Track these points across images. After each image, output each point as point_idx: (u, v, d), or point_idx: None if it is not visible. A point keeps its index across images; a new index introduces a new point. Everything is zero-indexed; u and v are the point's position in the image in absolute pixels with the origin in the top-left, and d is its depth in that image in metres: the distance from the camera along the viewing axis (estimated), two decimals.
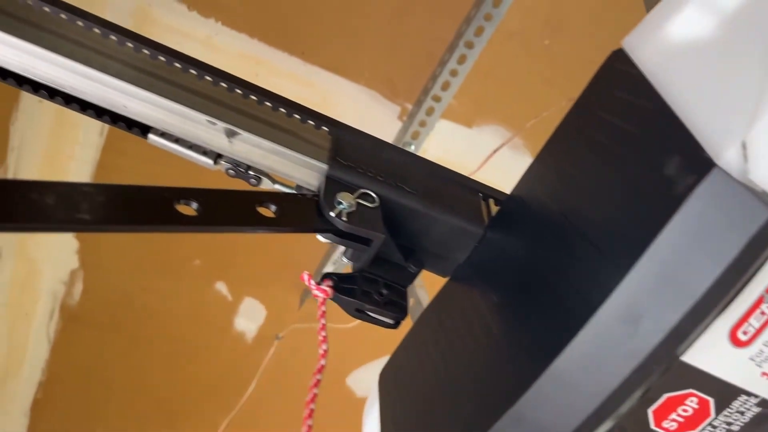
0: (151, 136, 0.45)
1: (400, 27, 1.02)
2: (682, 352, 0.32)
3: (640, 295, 0.31)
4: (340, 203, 0.42)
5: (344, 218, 0.42)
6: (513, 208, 0.46)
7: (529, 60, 1.05)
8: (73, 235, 1.30)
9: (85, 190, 0.34)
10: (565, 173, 0.41)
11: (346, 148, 0.47)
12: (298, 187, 0.48)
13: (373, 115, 1.11)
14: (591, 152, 0.38)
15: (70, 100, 0.46)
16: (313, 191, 0.46)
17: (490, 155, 1.08)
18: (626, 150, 0.35)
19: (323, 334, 0.39)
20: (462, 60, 1.04)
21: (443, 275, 0.50)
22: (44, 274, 1.36)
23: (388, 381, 0.55)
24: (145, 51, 0.43)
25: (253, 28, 1.03)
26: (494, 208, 0.50)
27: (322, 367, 0.37)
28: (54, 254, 1.33)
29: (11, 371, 1.52)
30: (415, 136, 1.11)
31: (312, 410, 0.36)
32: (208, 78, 0.44)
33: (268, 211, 0.40)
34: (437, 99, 1.08)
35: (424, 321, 0.53)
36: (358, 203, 0.43)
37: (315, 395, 0.36)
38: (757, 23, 0.31)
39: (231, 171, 0.47)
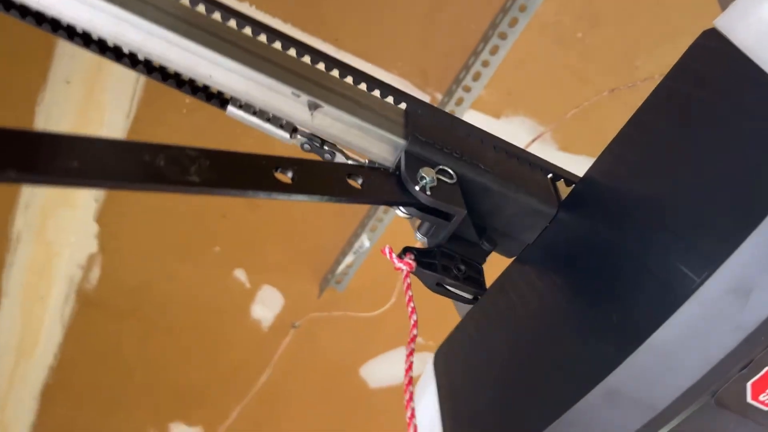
0: (231, 108, 0.45)
1: (436, 17, 1.02)
2: None
3: (752, 268, 0.31)
4: (423, 178, 0.42)
5: (428, 192, 0.42)
6: (589, 189, 0.46)
7: (561, 53, 1.05)
8: (93, 219, 1.29)
9: (191, 154, 0.34)
10: (652, 153, 0.41)
11: (423, 125, 0.47)
12: (372, 163, 0.48)
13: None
14: (685, 131, 0.39)
15: (135, 63, 0.45)
16: (389, 167, 0.46)
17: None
18: (731, 125, 0.35)
19: (412, 305, 0.39)
20: (494, 51, 1.04)
21: (509, 256, 0.50)
22: (62, 258, 1.35)
23: (446, 361, 0.55)
24: (232, 21, 0.43)
25: (286, 13, 1.03)
26: (563, 189, 0.50)
27: (415, 336, 0.38)
28: (73, 238, 1.32)
29: (24, 355, 1.52)
30: None
31: (411, 378, 0.36)
32: (292, 50, 0.44)
33: (355, 183, 0.41)
34: (467, 89, 1.08)
35: (488, 302, 0.53)
36: (439, 179, 0.43)
37: (411, 364, 0.36)
38: None
39: (306, 145, 0.47)
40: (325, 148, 0.47)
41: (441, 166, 0.44)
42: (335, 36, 1.04)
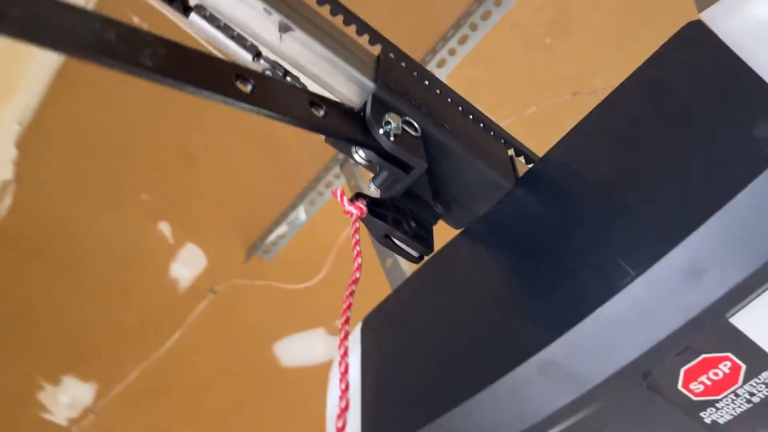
0: (194, 17, 0.42)
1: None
2: (732, 314, 0.32)
3: (707, 250, 0.31)
4: (389, 123, 0.40)
5: (391, 138, 0.40)
6: (549, 169, 0.45)
7: (526, 54, 1.06)
8: (12, 143, 1.20)
9: (147, 38, 0.30)
10: (624, 136, 0.41)
11: (395, 73, 0.45)
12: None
13: None
14: (659, 115, 0.38)
15: None
16: (353, 107, 0.44)
17: None
18: (706, 112, 0.35)
19: (358, 249, 0.37)
20: (463, 40, 1.04)
21: (457, 226, 0.49)
22: None
23: (375, 328, 0.53)
24: None
25: None
26: (522, 167, 0.49)
27: (357, 279, 0.35)
28: None
29: None
30: None
31: (348, 318, 0.34)
32: None
33: (318, 112, 0.38)
34: None
35: (429, 271, 0.51)
36: (403, 129, 0.41)
37: (350, 305, 0.34)
38: None
39: (268, 72, 0.44)
40: (288, 79, 0.44)
41: (407, 117, 0.43)
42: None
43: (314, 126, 0.36)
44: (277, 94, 0.35)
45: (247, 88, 0.34)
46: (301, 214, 1.25)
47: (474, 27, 1.02)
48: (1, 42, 1.08)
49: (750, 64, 0.34)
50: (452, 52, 1.05)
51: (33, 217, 1.29)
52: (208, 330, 1.46)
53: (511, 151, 0.50)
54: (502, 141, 0.49)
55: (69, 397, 1.60)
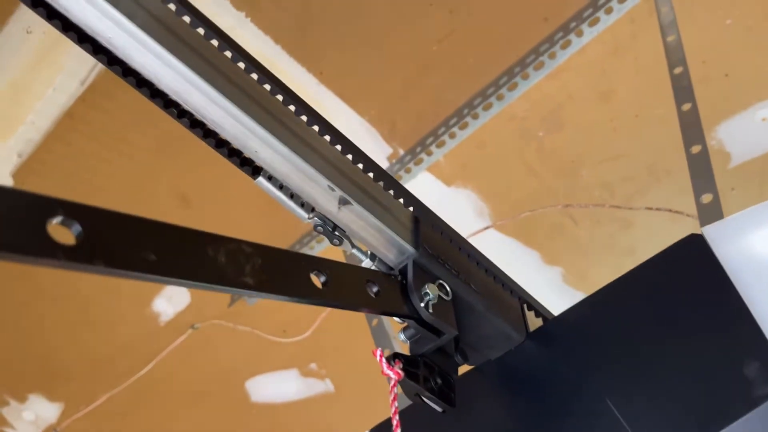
0: (261, 179, 0.46)
1: (421, 80, 1.06)
2: None
3: None
4: (428, 294, 0.46)
5: (430, 310, 0.45)
6: (558, 332, 0.51)
7: (520, 145, 1.12)
8: (10, 173, 1.20)
9: (247, 251, 0.35)
10: (619, 323, 0.47)
11: (430, 236, 0.50)
12: (372, 255, 0.50)
13: (364, 149, 1.13)
14: (655, 319, 0.45)
15: (182, 115, 0.45)
16: (390, 267, 0.49)
17: (474, 233, 1.13)
18: (696, 333, 0.42)
19: (397, 418, 0.42)
20: (464, 126, 1.10)
21: (470, 364, 0.55)
22: None
23: None
24: (291, 107, 0.44)
25: (279, 33, 1.03)
26: (530, 317, 0.55)
27: None
28: None
29: None
30: (398, 179, 1.16)
31: None
32: (338, 147, 0.46)
33: (372, 290, 0.43)
34: (429, 153, 1.13)
35: None
36: (439, 296, 0.47)
37: None
38: None
39: (320, 227, 0.49)
40: (336, 233, 0.49)
41: (441, 281, 0.48)
42: (321, 69, 1.06)
43: (370, 308, 0.41)
44: (343, 282, 0.40)
45: (321, 279, 0.39)
46: None
47: (476, 116, 1.08)
48: (11, 76, 1.09)
49: (742, 295, 0.41)
50: (452, 135, 1.11)
51: None
52: (184, 364, 1.48)
53: (519, 301, 0.56)
54: (513, 293, 0.55)
55: (33, 414, 1.60)
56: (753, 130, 1.00)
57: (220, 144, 0.46)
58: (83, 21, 0.38)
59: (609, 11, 0.96)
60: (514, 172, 1.15)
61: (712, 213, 0.57)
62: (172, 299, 1.39)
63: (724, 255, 0.44)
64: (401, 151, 1.15)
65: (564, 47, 1.00)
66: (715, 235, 0.45)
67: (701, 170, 0.59)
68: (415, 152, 1.13)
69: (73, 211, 0.27)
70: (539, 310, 0.55)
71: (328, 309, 1.25)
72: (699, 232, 0.46)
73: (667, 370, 0.42)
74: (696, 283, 0.44)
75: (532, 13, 0.99)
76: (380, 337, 1.08)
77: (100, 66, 1.06)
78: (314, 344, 1.39)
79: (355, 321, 1.23)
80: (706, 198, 0.56)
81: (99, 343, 1.47)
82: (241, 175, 1.17)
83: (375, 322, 1.10)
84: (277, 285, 0.35)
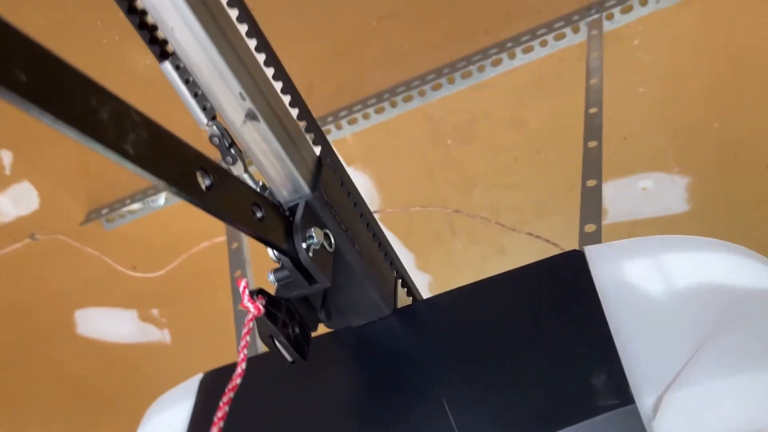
0: (167, 65, 0.42)
1: (352, 51, 1.04)
2: None
3: None
4: (312, 237, 0.43)
5: (310, 254, 0.43)
6: (423, 315, 0.51)
7: (428, 147, 1.13)
8: None
9: (135, 119, 0.31)
10: (483, 323, 0.47)
11: (329, 183, 0.48)
12: (264, 188, 0.47)
13: None
14: (519, 320, 0.45)
15: None
16: (279, 202, 0.46)
17: None
18: (552, 340, 0.43)
19: (244, 352, 0.39)
20: (380, 111, 1.09)
21: (330, 327, 0.53)
22: None
23: (212, 388, 0.54)
24: (235, 11, 0.40)
25: None
26: (401, 293, 0.54)
27: (236, 386, 0.37)
28: None
29: None
30: None
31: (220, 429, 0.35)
32: (263, 56, 0.42)
33: (257, 214, 0.40)
34: (339, 127, 1.11)
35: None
36: (322, 243, 0.44)
37: (225, 414, 0.36)
38: (707, 302, 0.41)
39: (216, 138, 0.45)
40: (231, 150, 0.46)
41: (327, 231, 0.46)
42: (254, 5, 1.00)
43: (250, 231, 0.38)
44: (228, 193, 0.37)
45: (206, 182, 0.35)
46: (161, 199, 1.20)
47: (394, 104, 1.08)
48: None
49: (606, 314, 0.42)
50: (366, 116, 1.09)
51: None
52: (9, 273, 1.33)
53: (395, 275, 0.55)
54: (394, 269, 0.54)
55: None
56: (632, 195, 1.08)
57: (132, 10, 0.40)
58: None
59: (544, 44, 0.99)
60: (414, 170, 1.15)
61: (592, 241, 0.61)
62: (17, 199, 1.25)
63: (598, 273, 0.45)
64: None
65: (495, 64, 1.02)
66: (596, 254, 0.47)
67: (592, 203, 0.62)
68: (325, 121, 1.10)
69: None
70: (412, 291, 0.55)
71: (189, 253, 1.18)
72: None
73: (515, 368, 0.43)
74: (565, 293, 0.46)
75: (475, 21, 1.01)
76: (237, 293, 1.03)
77: None
78: (163, 288, 1.31)
79: (215, 275, 1.17)
80: (590, 228, 0.59)
81: None
82: (139, 87, 1.08)
83: (238, 273, 1.05)
84: (158, 166, 0.31)
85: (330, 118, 1.09)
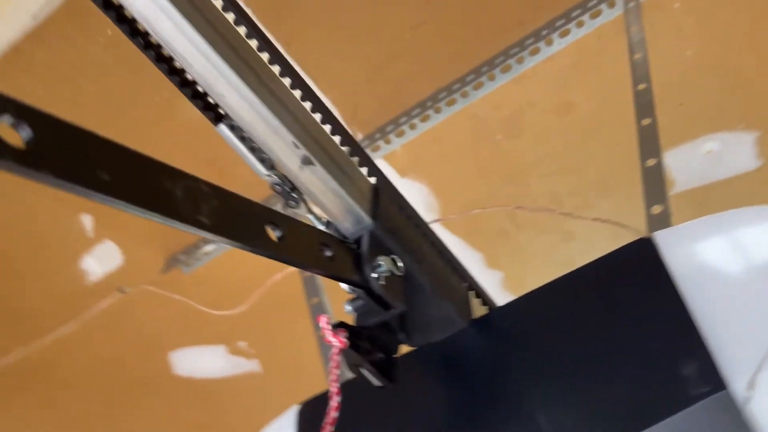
0: (222, 127, 0.45)
1: (390, 65, 1.05)
2: None
3: None
4: (381, 266, 0.45)
5: (382, 282, 0.44)
6: (501, 322, 0.52)
7: (476, 145, 1.13)
8: None
9: (205, 190, 0.33)
10: (562, 321, 0.47)
11: (388, 210, 0.49)
12: (328, 223, 0.49)
13: None
14: (596, 317, 0.45)
15: (148, 46, 0.43)
16: (344, 236, 0.48)
17: None
18: (635, 333, 0.42)
19: (336, 386, 0.41)
20: (425, 119, 1.10)
21: (411, 345, 0.54)
22: None
23: (311, 418, 0.57)
24: (265, 55, 0.42)
25: None
26: (475, 303, 0.55)
27: (334, 420, 0.39)
28: None
29: None
30: None
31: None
32: (308, 104, 0.45)
33: (326, 253, 0.42)
34: (387, 141, 1.13)
35: None
36: (391, 270, 0.46)
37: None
38: None
39: (277, 186, 0.47)
40: (293, 195, 0.48)
41: (394, 256, 0.47)
42: (289, 40, 1.03)
43: (323, 272, 0.40)
44: (298, 240, 0.39)
45: (276, 233, 0.38)
46: None
47: (438, 110, 1.09)
48: None
49: (684, 300, 0.42)
50: (413, 126, 1.11)
51: None
52: (107, 327, 1.42)
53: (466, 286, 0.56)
54: (462, 277, 0.55)
55: None
56: (698, 160, 1.05)
57: (185, 83, 0.44)
58: None
59: (580, 24, 0.98)
60: (467, 171, 1.16)
61: (660, 224, 0.59)
62: (102, 258, 1.33)
63: (671, 260, 0.45)
64: (360, 136, 1.14)
65: (533, 53, 1.02)
66: (665, 240, 0.46)
67: (654, 183, 0.61)
68: (373, 138, 1.12)
69: (24, 113, 0.25)
70: (485, 299, 0.56)
71: (267, 286, 1.23)
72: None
73: (603, 367, 0.43)
74: (640, 285, 0.45)
75: (506, 15, 1.01)
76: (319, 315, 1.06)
77: (58, 2, 1.01)
78: (247, 322, 1.36)
79: (293, 302, 1.21)
80: (656, 209, 0.58)
81: (20, 295, 1.39)
82: (191, 144, 1.14)
83: (315, 300, 1.08)
84: (232, 230, 0.34)
85: (377, 135, 1.11)
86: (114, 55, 1.03)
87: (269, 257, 0.37)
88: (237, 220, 0.35)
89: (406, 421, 0.51)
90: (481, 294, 0.56)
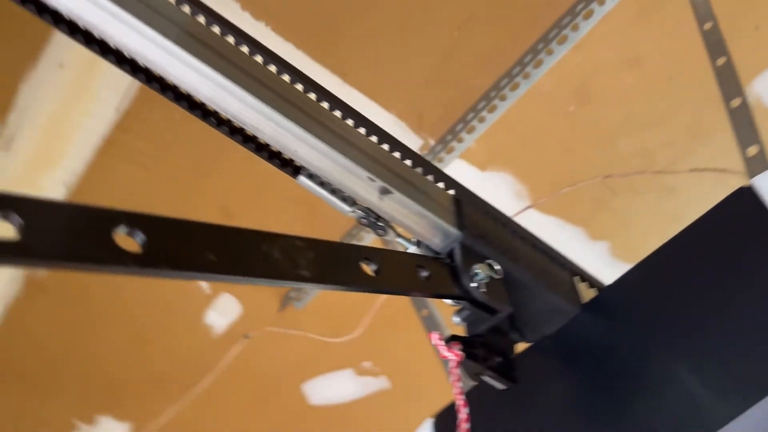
0: (302, 178, 0.47)
1: (445, 67, 1.06)
2: None
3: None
4: (478, 274, 0.46)
5: (482, 289, 0.45)
6: (614, 300, 0.51)
7: (551, 122, 1.11)
8: None
9: (299, 245, 0.36)
10: (676, 284, 0.46)
11: (473, 217, 0.50)
12: (418, 242, 0.51)
13: None
14: (711, 277, 0.44)
15: (216, 118, 0.47)
16: (436, 252, 0.49)
17: (514, 215, 1.13)
18: (755, 288, 0.41)
19: (462, 398, 0.42)
20: (492, 109, 1.10)
21: (527, 342, 0.55)
22: None
23: (446, 429, 0.58)
24: (325, 104, 0.45)
25: (300, 39, 1.04)
26: (582, 288, 0.55)
27: (467, 430, 0.41)
28: None
29: None
30: None
31: None
32: (374, 138, 0.47)
33: (423, 274, 0.44)
34: (460, 140, 1.13)
35: None
36: (489, 275, 0.47)
37: None
38: None
39: (363, 220, 0.50)
40: (379, 224, 0.50)
41: (489, 261, 0.48)
42: (344, 70, 1.07)
43: (423, 294, 0.42)
44: (394, 269, 0.41)
45: (371, 267, 0.40)
46: None
47: (503, 97, 1.08)
48: (50, 109, 1.13)
49: None
50: (481, 120, 1.11)
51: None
52: (241, 373, 1.51)
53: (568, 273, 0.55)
54: (564, 266, 0.55)
55: None
56: None
57: (260, 148, 0.47)
58: (121, 43, 0.39)
59: None
60: (549, 149, 1.14)
61: (759, 165, 0.56)
62: (222, 311, 1.42)
63: None
64: (432, 142, 1.15)
65: (586, 17, 0.99)
66: (765, 185, 0.44)
67: (744, 123, 0.57)
68: (445, 141, 1.13)
69: (135, 221, 0.29)
70: (591, 281, 0.55)
71: (376, 306, 1.26)
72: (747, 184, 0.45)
73: (730, 327, 0.41)
74: (749, 237, 0.44)
75: None
76: (432, 326, 1.08)
77: (133, 92, 1.10)
78: (366, 342, 1.40)
79: (405, 315, 1.23)
80: (752, 150, 0.55)
81: (158, 360, 1.51)
82: (278, 184, 1.19)
83: (425, 312, 1.10)
84: (331, 275, 0.36)
85: (449, 136, 1.12)
86: (189, 128, 1.11)
87: (369, 291, 0.39)
88: (333, 264, 0.37)
89: (538, 416, 0.51)
90: (586, 277, 0.55)
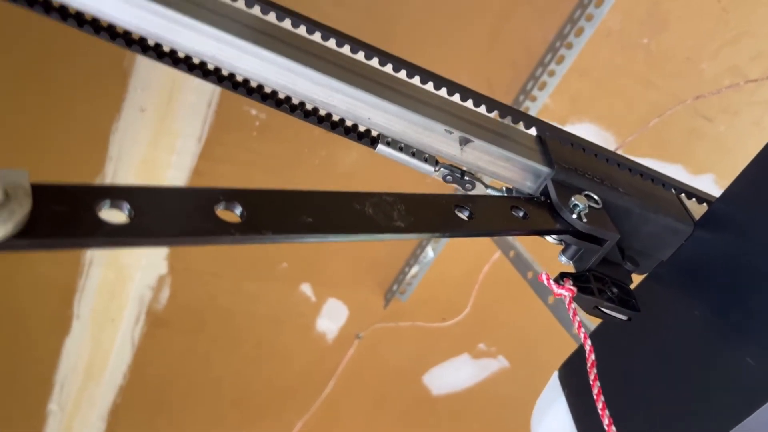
0: (381, 146, 0.48)
1: (503, 27, 1.04)
2: None
3: None
4: (577, 205, 0.44)
5: (585, 220, 0.44)
6: (728, 209, 0.47)
7: (626, 58, 1.06)
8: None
9: (389, 200, 0.36)
10: None
11: (561, 151, 0.49)
12: (508, 190, 0.50)
13: None
14: None
15: (279, 102, 0.48)
16: (530, 194, 0.48)
17: None
18: None
19: (583, 331, 0.41)
20: (560, 60, 1.06)
21: (642, 273, 0.52)
22: (133, 280, 1.39)
23: (573, 376, 0.57)
24: (389, 66, 0.45)
25: (357, 29, 1.05)
26: (693, 207, 0.52)
27: (594, 363, 0.39)
28: (144, 260, 1.36)
29: (93, 377, 1.55)
30: None
31: (604, 404, 0.38)
32: (443, 90, 0.46)
33: (518, 214, 0.43)
34: (533, 99, 1.10)
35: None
36: (589, 206, 0.45)
37: (599, 389, 0.38)
38: None
39: (448, 177, 0.49)
40: (466, 178, 0.49)
41: (587, 192, 0.46)
42: (404, 53, 1.06)
43: (522, 231, 0.41)
44: (487, 212, 0.40)
45: (464, 214, 0.39)
46: (429, 252, 1.30)
47: (569, 45, 1.04)
48: (140, 154, 1.21)
49: None
50: (551, 74, 1.07)
51: (188, 301, 1.42)
52: (360, 373, 1.54)
53: (681, 195, 0.52)
54: (669, 187, 0.52)
55: None
56: None
57: (335, 125, 0.47)
58: (190, 48, 0.41)
59: None
60: (629, 88, 1.08)
61: None
62: (331, 316, 1.45)
63: None
64: None
65: None
66: None
67: None
68: (518, 102, 1.10)
69: (232, 195, 0.30)
70: (700, 196, 0.52)
71: (479, 282, 1.25)
72: None
73: None
74: None
75: None
76: (541, 290, 1.05)
77: (209, 119, 1.15)
78: (477, 322, 1.39)
79: (510, 286, 1.21)
80: None
81: (279, 375, 1.56)
82: (353, 186, 1.21)
83: (530, 274, 1.07)
84: (426, 224, 0.36)
85: (521, 97, 1.09)
86: (267, 138, 1.15)
87: (468, 236, 0.38)
88: (426, 214, 0.37)
89: (671, 343, 0.48)
90: (693, 193, 0.52)
